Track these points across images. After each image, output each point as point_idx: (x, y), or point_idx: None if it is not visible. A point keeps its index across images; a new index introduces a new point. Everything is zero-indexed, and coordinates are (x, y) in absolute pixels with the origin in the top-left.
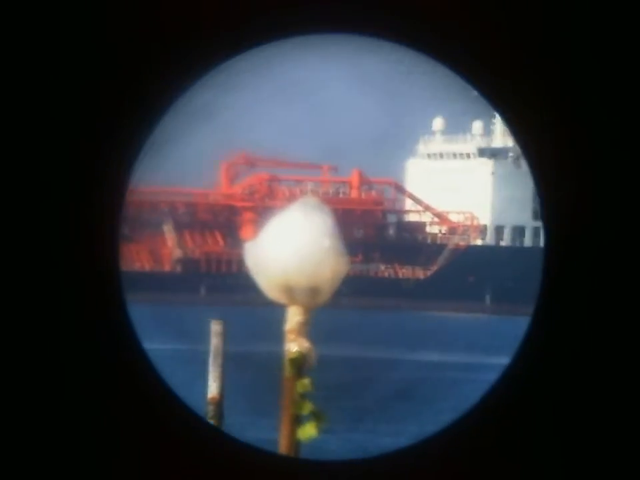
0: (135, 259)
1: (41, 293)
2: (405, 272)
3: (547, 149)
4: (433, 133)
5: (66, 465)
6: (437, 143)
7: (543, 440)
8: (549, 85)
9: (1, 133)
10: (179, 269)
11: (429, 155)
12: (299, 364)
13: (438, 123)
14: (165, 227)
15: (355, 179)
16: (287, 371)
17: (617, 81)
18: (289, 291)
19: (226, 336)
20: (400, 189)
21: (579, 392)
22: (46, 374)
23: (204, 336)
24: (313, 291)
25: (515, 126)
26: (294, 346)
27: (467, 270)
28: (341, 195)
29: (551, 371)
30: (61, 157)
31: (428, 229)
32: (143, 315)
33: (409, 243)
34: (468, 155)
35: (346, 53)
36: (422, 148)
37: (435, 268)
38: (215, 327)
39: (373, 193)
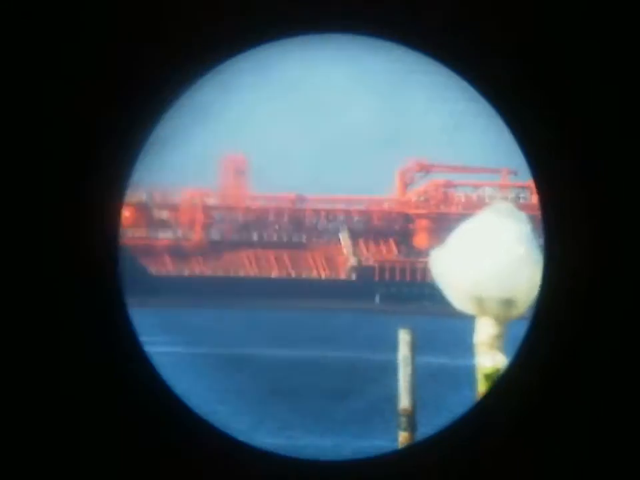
0: (312, 266)
1: (38, 295)
2: None
3: (548, 150)
4: None
5: (67, 471)
6: None
7: (542, 442)
8: (549, 85)
9: None
10: (353, 276)
11: None
12: (494, 379)
13: None
14: (340, 235)
15: None
16: (482, 386)
17: (620, 81)
18: (480, 302)
19: (416, 346)
20: None
21: (578, 395)
22: (46, 377)
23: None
24: (507, 302)
25: (515, 127)
26: (487, 360)
27: None
28: (520, 201)
29: (548, 375)
30: (60, 157)
31: None
32: (318, 321)
33: None
34: None
35: (346, 53)
36: None
37: None
38: (404, 336)
39: None
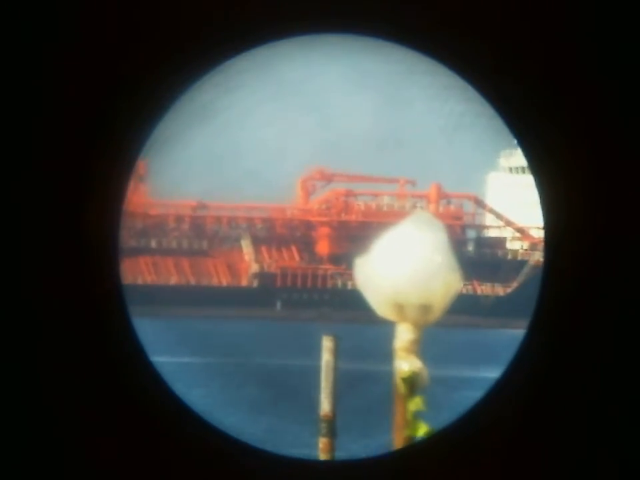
0: (213, 273)
1: (39, 304)
2: (484, 288)
3: (548, 150)
4: (515, 146)
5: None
6: (518, 157)
7: (540, 443)
8: (549, 85)
9: None
10: (255, 283)
11: (510, 169)
12: (412, 383)
13: None
14: (242, 242)
15: (433, 193)
16: (400, 389)
17: (621, 81)
18: (399, 308)
19: (338, 352)
20: (480, 204)
21: (575, 400)
22: (47, 382)
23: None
24: (425, 308)
25: (515, 127)
26: (405, 364)
27: None
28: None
29: (543, 383)
30: (59, 159)
31: (508, 244)
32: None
33: (489, 259)
34: None
35: (346, 53)
36: (503, 162)
37: (515, 285)
38: (327, 343)
39: (452, 207)
